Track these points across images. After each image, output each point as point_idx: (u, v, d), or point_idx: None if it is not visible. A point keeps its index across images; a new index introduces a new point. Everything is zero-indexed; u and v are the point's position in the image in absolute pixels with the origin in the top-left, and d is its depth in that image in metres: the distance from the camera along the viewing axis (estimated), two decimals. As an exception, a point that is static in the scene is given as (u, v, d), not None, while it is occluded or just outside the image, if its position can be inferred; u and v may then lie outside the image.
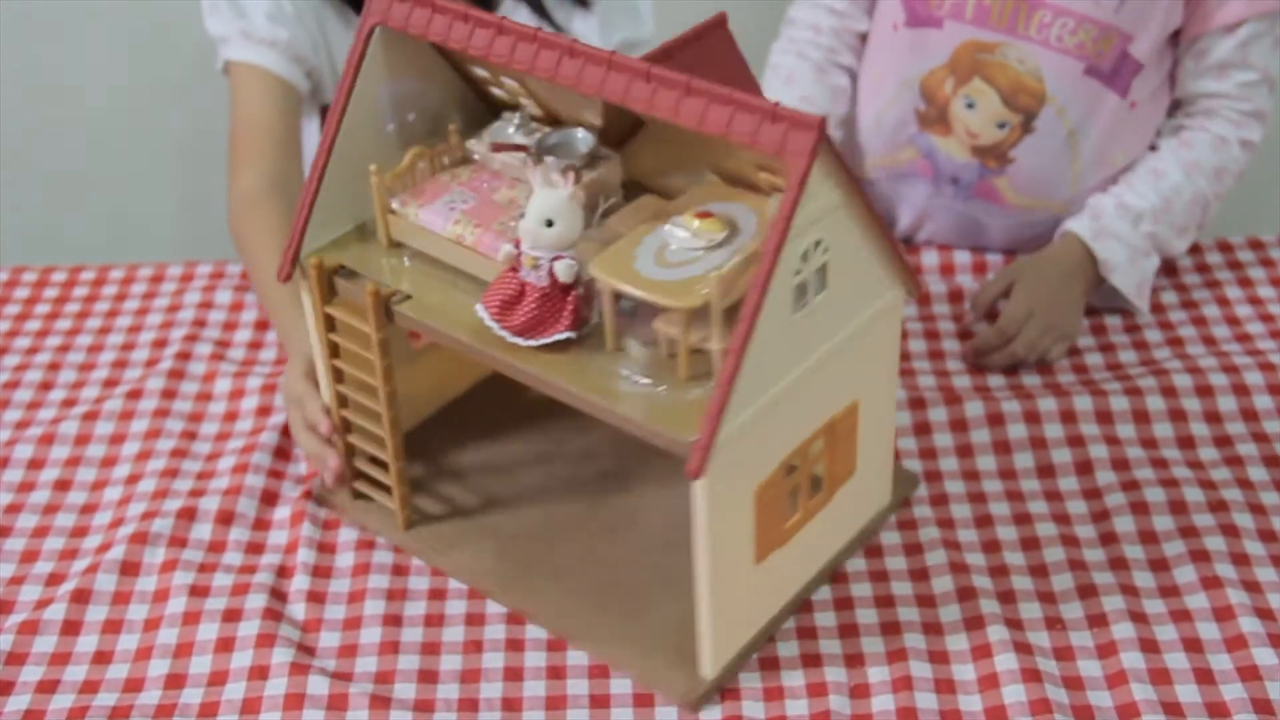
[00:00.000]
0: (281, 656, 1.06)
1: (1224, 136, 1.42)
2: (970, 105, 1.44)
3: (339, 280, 1.09)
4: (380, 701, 1.02)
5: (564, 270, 0.98)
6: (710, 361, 0.96)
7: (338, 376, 1.14)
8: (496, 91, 1.13)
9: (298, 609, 1.11)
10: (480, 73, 1.11)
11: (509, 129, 1.11)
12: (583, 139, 1.06)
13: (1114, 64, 1.39)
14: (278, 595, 1.12)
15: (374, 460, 1.16)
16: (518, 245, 0.99)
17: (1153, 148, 1.46)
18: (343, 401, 1.15)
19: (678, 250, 0.98)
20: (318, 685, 1.03)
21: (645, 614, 1.08)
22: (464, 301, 1.04)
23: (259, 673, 1.05)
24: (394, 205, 1.08)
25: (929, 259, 1.50)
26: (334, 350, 1.12)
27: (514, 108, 1.13)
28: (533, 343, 0.99)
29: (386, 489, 1.16)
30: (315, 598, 1.12)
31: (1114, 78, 1.40)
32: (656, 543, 1.13)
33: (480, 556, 1.14)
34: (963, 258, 1.50)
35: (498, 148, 1.09)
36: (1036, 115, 1.42)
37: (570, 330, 0.99)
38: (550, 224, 0.97)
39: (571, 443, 1.23)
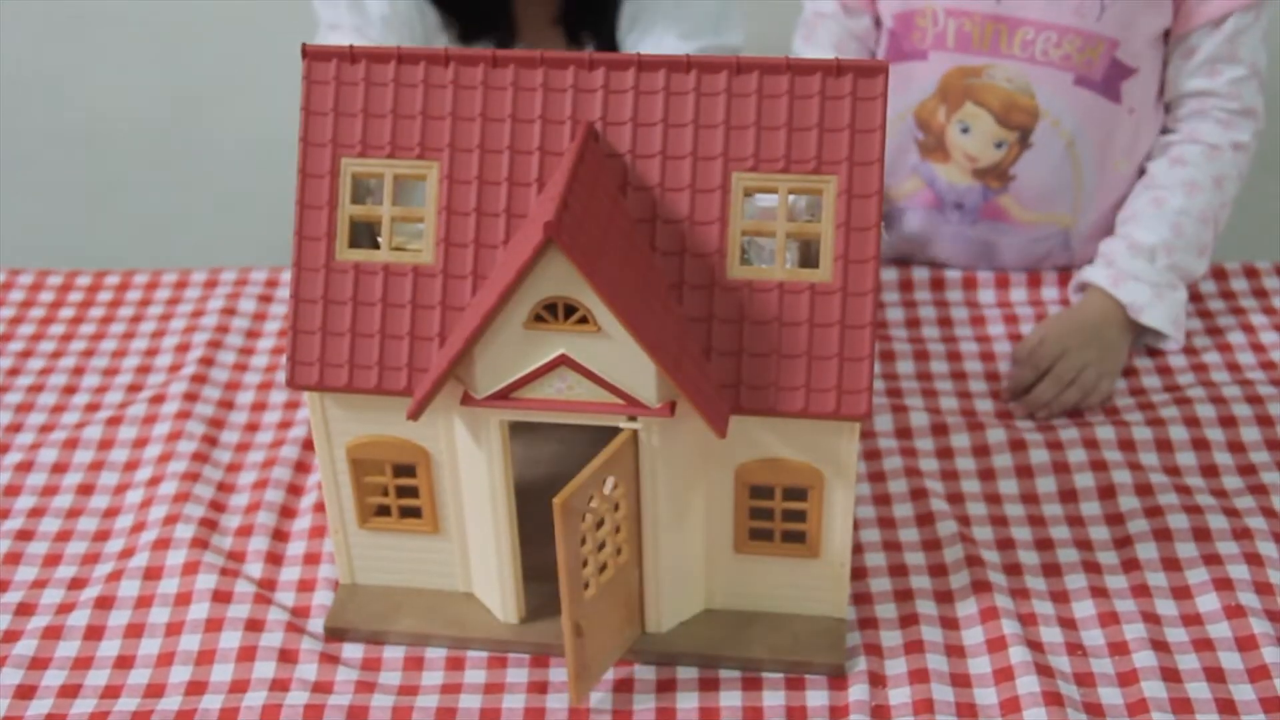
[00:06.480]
0: (306, 659, 1.07)
1: (1215, 144, 1.42)
2: (965, 130, 1.44)
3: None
4: (402, 712, 1.03)
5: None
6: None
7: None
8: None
9: (317, 622, 1.11)
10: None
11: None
12: None
13: (1104, 71, 1.39)
14: (299, 611, 1.12)
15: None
16: None
17: (1143, 170, 1.46)
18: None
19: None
20: (340, 695, 1.04)
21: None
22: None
23: (280, 685, 1.05)
24: None
25: (951, 273, 1.50)
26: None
27: None
28: None
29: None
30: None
31: (1106, 85, 1.40)
32: None
33: None
34: (984, 274, 1.50)
35: None
36: (1032, 130, 1.43)
37: None
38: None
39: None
